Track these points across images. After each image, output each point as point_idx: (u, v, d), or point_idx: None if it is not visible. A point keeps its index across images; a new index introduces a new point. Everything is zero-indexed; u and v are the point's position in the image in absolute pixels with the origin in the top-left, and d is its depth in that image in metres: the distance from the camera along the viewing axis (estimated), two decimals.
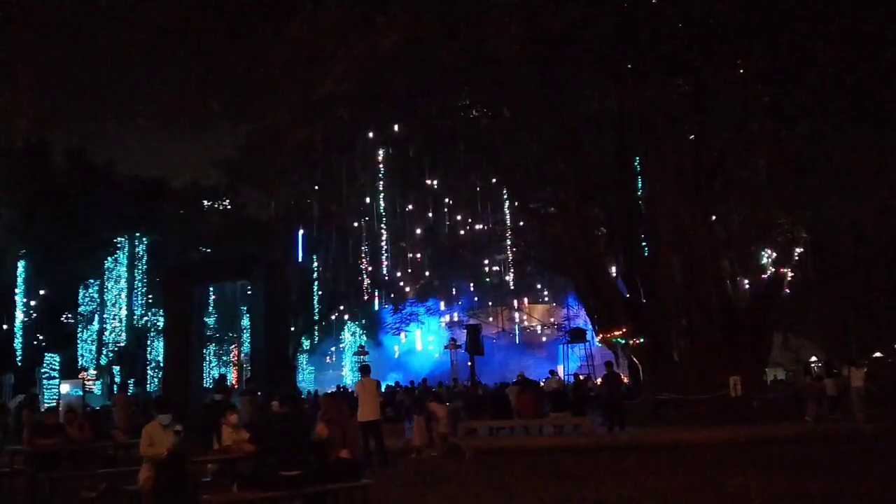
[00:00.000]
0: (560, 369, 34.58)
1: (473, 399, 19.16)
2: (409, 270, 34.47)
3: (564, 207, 19.20)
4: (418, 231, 33.32)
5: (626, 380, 22.85)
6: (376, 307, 37.89)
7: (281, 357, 21.85)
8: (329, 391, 22.75)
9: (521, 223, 31.14)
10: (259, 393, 15.54)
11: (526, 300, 38.17)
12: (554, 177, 19.47)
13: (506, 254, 34.46)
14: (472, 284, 34.58)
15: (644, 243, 20.19)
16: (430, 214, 31.39)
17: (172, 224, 29.47)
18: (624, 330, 19.83)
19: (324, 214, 30.43)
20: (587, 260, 19.31)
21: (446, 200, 30.94)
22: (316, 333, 35.49)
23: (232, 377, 32.73)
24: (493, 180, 26.11)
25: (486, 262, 33.84)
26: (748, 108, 16.90)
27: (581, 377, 23.36)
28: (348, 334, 38.16)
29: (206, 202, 31.09)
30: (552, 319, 40.88)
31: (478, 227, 31.96)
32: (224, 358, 33.64)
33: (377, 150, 27.60)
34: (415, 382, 26.02)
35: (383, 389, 17.65)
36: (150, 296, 32.04)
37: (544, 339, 40.44)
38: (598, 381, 23.69)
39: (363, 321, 37.01)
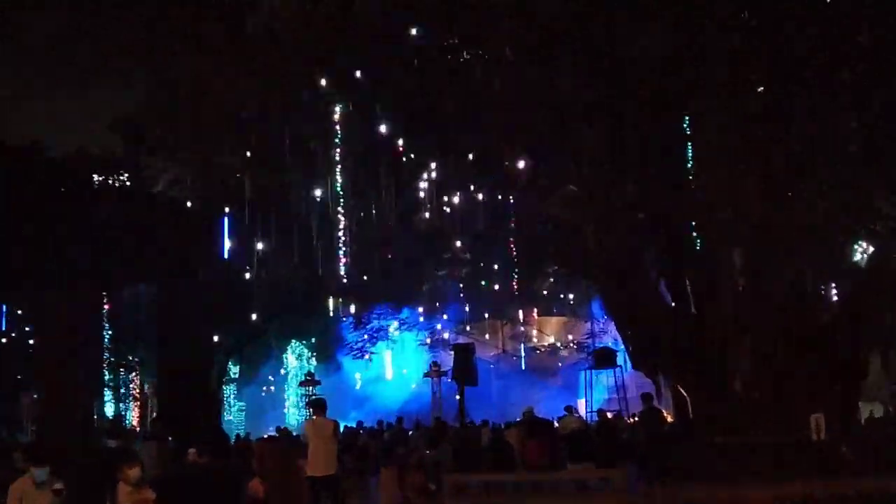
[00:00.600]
0: (581, 404, 34.78)
1: (463, 444, 19.29)
2: (378, 269, 34.49)
3: (588, 185, 19.25)
4: (389, 217, 33.38)
5: (669, 418, 23.07)
6: (332, 320, 37.90)
7: (200, 388, 21.75)
8: (266, 435, 22.74)
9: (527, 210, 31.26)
10: (170, 438, 15.54)
11: (536, 311, 38.35)
12: (576, 143, 19.45)
13: (507, 248, 34.69)
14: (461, 288, 34.72)
15: (694, 233, 20.30)
16: (406, 196, 31.46)
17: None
18: (667, 351, 20.08)
19: (259, 195, 30.38)
20: (617, 257, 19.47)
21: (427, 176, 31.06)
22: (248, 356, 35.45)
23: (132, 417, 32.58)
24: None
25: (481, 261, 34.03)
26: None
27: (609, 414, 23.52)
28: (292, 357, 38.09)
29: (96, 177, 30.82)
30: (570, 336, 41.08)
31: (467, 212, 32.01)
32: (122, 391, 33.49)
33: (332, 106, 27.62)
34: (384, 423, 26.06)
35: (342, 432, 17.66)
36: (19, 308, 31.81)
37: (560, 363, 40.64)
38: (633, 419, 23.85)
39: (313, 339, 36.99)
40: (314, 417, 12.58)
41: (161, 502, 7.14)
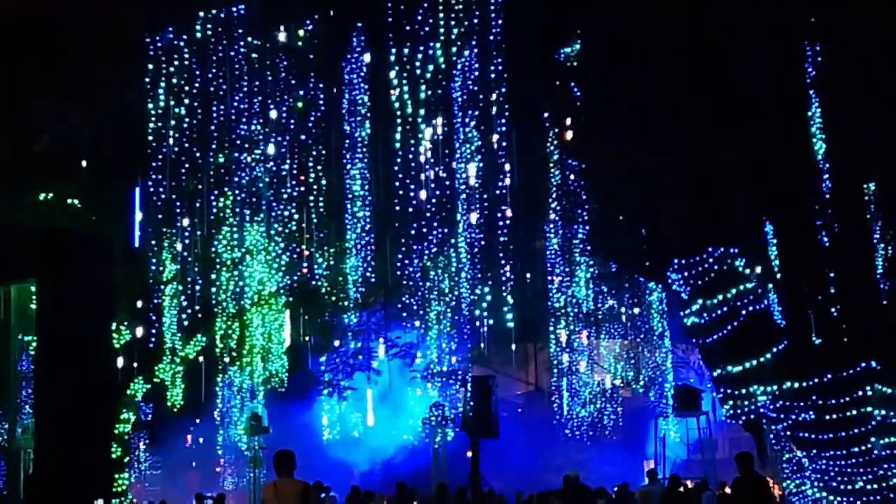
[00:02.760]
0: (648, 466, 34.84)
1: None
2: (357, 264, 34.40)
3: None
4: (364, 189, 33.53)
5: (777, 489, 23.13)
6: (285, 335, 37.82)
7: (95, 437, 21.72)
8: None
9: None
10: None
11: (585, 333, 38.11)
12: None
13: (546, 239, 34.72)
14: (473, 299, 34.59)
15: (819, 221, 20.98)
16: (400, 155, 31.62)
17: None
18: (776, 390, 20.56)
19: (184, 151, 30.61)
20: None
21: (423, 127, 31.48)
22: (168, 394, 35.48)
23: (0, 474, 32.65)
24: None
25: (505, 257, 33.97)
26: None
27: (689, 483, 23.56)
28: (228, 391, 38.12)
29: None
30: (634, 371, 40.93)
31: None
32: None
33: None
34: (359, 489, 26.18)
35: None
36: None
37: (618, 408, 40.58)
38: (724, 489, 23.96)
39: (260, 367, 36.91)
40: (280, 479, 12.60)
41: None
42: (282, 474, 12.64)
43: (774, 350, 21.83)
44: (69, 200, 30.71)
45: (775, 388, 21.68)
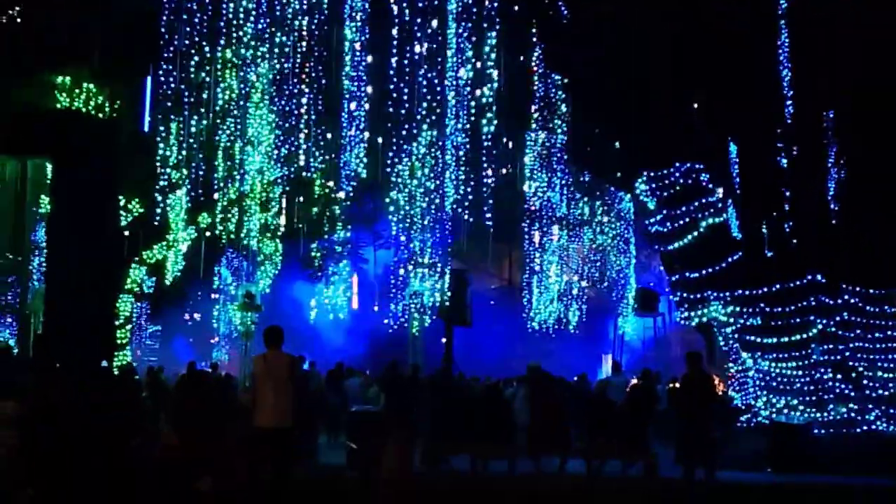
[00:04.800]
0: (607, 362, 35.17)
1: (446, 404, 19.48)
2: (350, 160, 34.29)
3: None
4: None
5: (721, 386, 23.41)
6: (280, 223, 37.77)
7: (101, 304, 21.85)
8: (188, 371, 22.88)
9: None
10: (58, 365, 15.63)
11: (557, 236, 38.14)
12: None
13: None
14: (456, 198, 34.61)
15: (780, 144, 21.25)
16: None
17: None
18: (730, 296, 20.95)
19: (194, 44, 30.39)
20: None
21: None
22: (167, 269, 35.53)
23: (9, 337, 32.75)
24: None
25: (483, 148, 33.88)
26: None
27: (638, 379, 23.80)
28: (225, 271, 38.17)
29: None
30: (599, 273, 41.05)
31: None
32: None
33: None
34: (343, 365, 26.41)
35: None
36: None
37: (583, 305, 40.82)
38: (673, 384, 24.22)
39: (261, 246, 36.90)
40: (269, 352, 12.61)
41: (30, 448, 7.12)
42: (271, 347, 12.66)
43: (729, 260, 22.05)
44: (84, 86, 30.48)
45: (728, 294, 21.93)
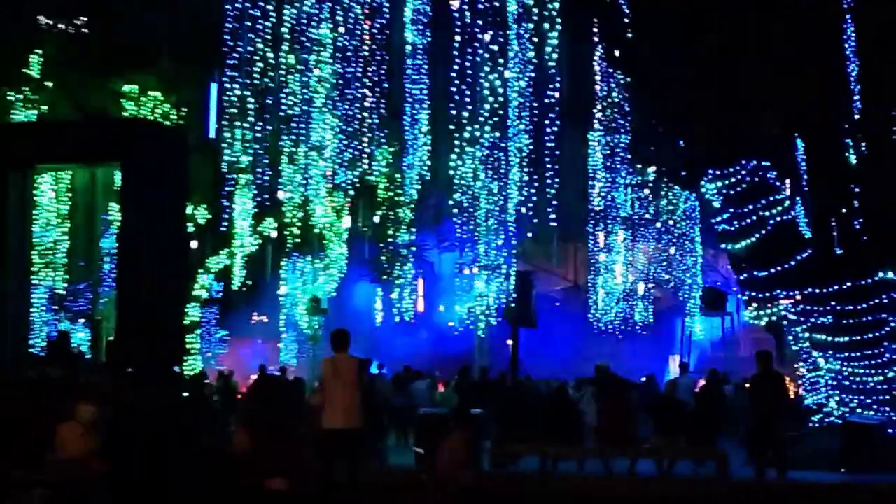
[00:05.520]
0: (674, 363, 34.95)
1: (513, 405, 19.53)
2: (413, 163, 34.49)
3: None
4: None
5: (793, 387, 23.20)
6: (345, 226, 37.98)
7: (169, 309, 22.09)
8: (258, 374, 23.12)
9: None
10: (130, 369, 15.84)
11: (622, 236, 38.00)
12: None
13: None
14: (520, 199, 34.58)
15: (847, 140, 21.11)
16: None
17: None
18: (799, 294, 20.81)
19: (258, 50, 30.72)
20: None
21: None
22: (233, 275, 35.92)
23: (83, 339, 33.23)
24: None
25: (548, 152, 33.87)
26: None
27: (706, 379, 23.66)
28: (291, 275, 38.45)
29: (43, 19, 31.03)
30: (666, 272, 40.78)
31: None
32: (68, 304, 34.12)
33: None
34: (410, 368, 26.54)
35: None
36: None
37: (650, 305, 40.57)
38: (744, 384, 24.10)
39: (326, 250, 37.16)
40: (336, 355, 12.75)
41: (111, 449, 7.25)
42: (338, 350, 12.80)
43: (798, 258, 21.83)
44: (151, 93, 30.99)
45: (797, 293, 21.71)
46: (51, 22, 30.42)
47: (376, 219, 38.80)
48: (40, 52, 30.04)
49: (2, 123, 27.57)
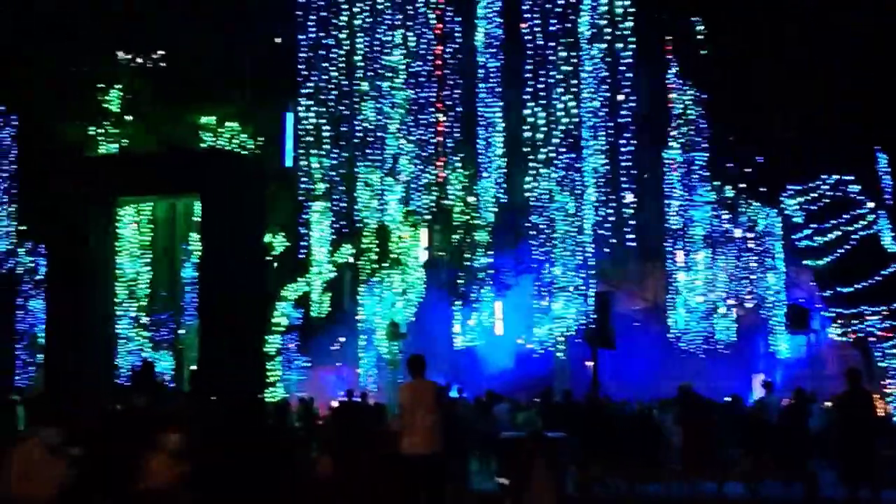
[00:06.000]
0: (758, 382, 34.42)
1: (595, 427, 19.35)
2: (489, 186, 34.57)
3: None
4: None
5: (882, 404, 22.72)
6: (422, 251, 38.08)
7: (250, 337, 22.32)
8: (341, 400, 23.16)
9: None
10: (213, 397, 16.02)
11: (702, 254, 37.58)
12: None
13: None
14: (597, 219, 34.48)
15: None
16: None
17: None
18: (886, 310, 20.39)
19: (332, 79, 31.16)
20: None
21: None
22: (313, 301, 36.18)
23: (168, 368, 33.66)
24: None
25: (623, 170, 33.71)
26: None
27: (791, 398, 23.22)
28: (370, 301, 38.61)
29: (122, 54, 31.64)
30: (747, 290, 40.21)
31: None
32: (150, 333, 34.61)
33: None
34: (493, 393, 26.45)
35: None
36: (20, 220, 33.16)
37: (733, 324, 40.01)
38: (828, 403, 23.64)
39: (403, 275, 37.25)
40: (414, 380, 12.80)
41: (199, 477, 7.31)
42: (415, 375, 12.83)
43: (884, 273, 21.43)
44: (228, 124, 31.44)
45: (884, 308, 21.31)
46: (129, 57, 31.04)
47: (453, 242, 38.86)
48: (120, 87, 30.66)
49: (84, 158, 28.18)
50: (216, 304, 20.38)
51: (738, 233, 36.73)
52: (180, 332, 33.39)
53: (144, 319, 32.57)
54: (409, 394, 12.64)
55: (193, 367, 27.84)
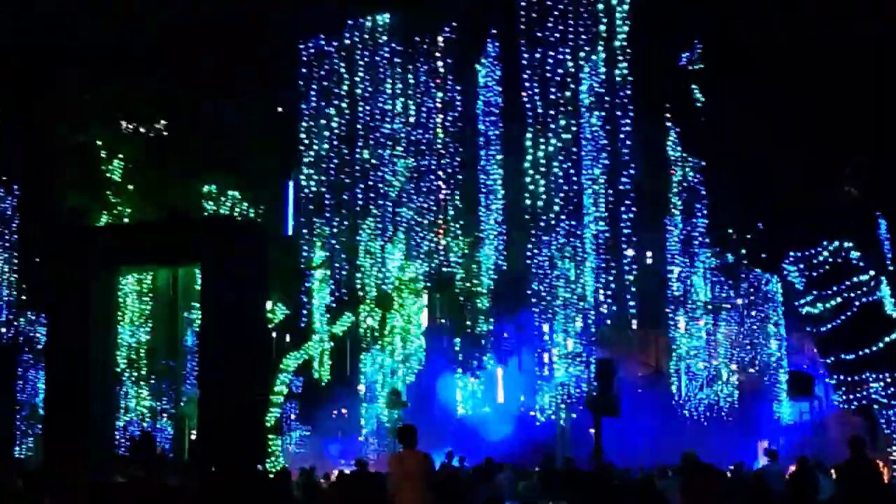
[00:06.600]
0: (760, 448, 34.26)
1: (597, 495, 19.26)
2: (490, 253, 34.64)
3: None
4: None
5: (887, 472, 22.58)
6: (423, 318, 38.11)
7: (250, 407, 22.19)
8: (342, 471, 22.98)
9: None
10: (213, 468, 15.92)
11: (703, 320, 37.59)
12: None
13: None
14: (598, 286, 34.49)
15: None
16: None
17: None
18: (889, 376, 20.35)
19: (333, 147, 31.38)
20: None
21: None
22: (315, 368, 36.09)
23: (166, 437, 33.48)
24: None
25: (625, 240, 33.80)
26: None
27: (795, 466, 23.10)
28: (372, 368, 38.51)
29: (125, 123, 31.86)
30: (750, 356, 40.13)
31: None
32: (151, 402, 34.48)
33: None
34: (493, 460, 26.25)
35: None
36: (21, 289, 33.15)
37: (736, 390, 39.87)
38: (832, 472, 23.48)
39: (404, 342, 37.25)
40: (403, 451, 12.74)
41: None
42: (406, 446, 12.80)
43: (887, 339, 21.41)
44: (230, 193, 31.58)
45: (888, 375, 21.26)
46: (132, 126, 31.27)
47: (454, 309, 38.85)
48: (122, 156, 30.87)
49: (85, 227, 28.24)
50: (216, 373, 20.27)
51: (739, 300, 36.81)
52: (181, 401, 33.26)
53: (145, 389, 32.49)
54: (397, 466, 12.66)
55: (193, 437, 27.73)
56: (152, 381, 32.67)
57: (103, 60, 29.01)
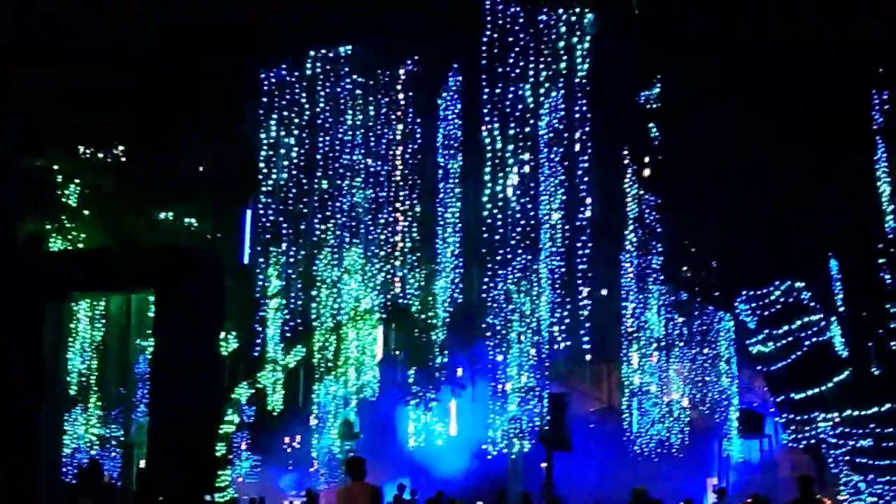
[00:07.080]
0: (712, 484, 34.37)
1: None
2: (446, 286, 34.68)
3: None
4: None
5: None
6: (377, 349, 38.00)
7: (203, 436, 22.00)
8: (292, 502, 22.79)
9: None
10: (161, 498, 15.79)
11: (656, 356, 37.78)
12: None
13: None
14: (552, 321, 34.57)
15: (882, 260, 21.00)
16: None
17: None
18: (838, 416, 20.50)
19: (291, 177, 31.29)
20: None
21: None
22: (266, 399, 35.83)
23: (114, 466, 33.07)
24: None
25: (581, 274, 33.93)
26: None
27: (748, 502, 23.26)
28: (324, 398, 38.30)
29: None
30: (701, 393, 40.40)
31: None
32: (100, 429, 34.06)
33: None
34: (443, 494, 26.19)
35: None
36: None
37: (685, 427, 40.06)
38: None
39: (353, 377, 37.11)
40: (351, 484, 12.70)
41: None
42: (354, 479, 12.76)
43: (836, 379, 21.62)
44: (186, 220, 31.41)
45: (836, 415, 21.45)
46: (89, 152, 31.06)
47: (409, 341, 38.76)
48: (78, 181, 30.62)
49: (38, 253, 27.95)
50: (167, 401, 20.12)
51: (691, 337, 36.98)
52: (131, 428, 32.88)
53: (94, 415, 32.08)
54: (346, 498, 12.62)
55: (141, 466, 27.44)
56: (102, 409, 32.25)
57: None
